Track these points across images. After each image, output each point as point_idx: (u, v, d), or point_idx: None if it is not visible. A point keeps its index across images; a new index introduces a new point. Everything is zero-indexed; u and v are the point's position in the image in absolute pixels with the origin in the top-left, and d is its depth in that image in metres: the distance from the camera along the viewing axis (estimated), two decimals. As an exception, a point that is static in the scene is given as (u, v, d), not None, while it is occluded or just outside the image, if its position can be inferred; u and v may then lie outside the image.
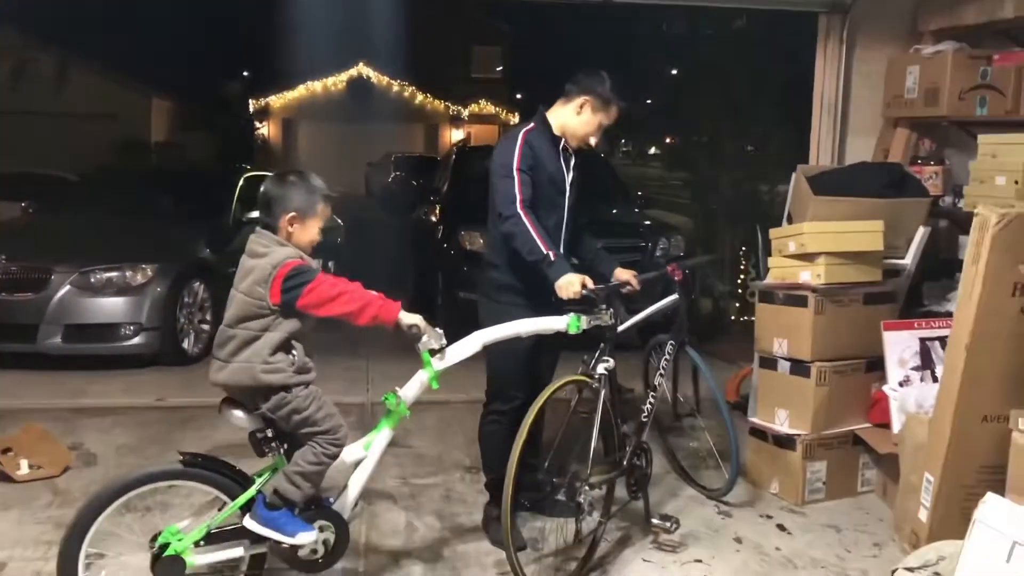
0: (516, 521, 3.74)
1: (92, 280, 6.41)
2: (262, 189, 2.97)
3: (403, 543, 3.77)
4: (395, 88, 33.73)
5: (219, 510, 2.94)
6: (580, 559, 3.45)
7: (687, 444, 4.83)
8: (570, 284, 3.34)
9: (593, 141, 3.65)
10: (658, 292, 4.22)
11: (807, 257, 4.19)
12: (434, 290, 8.11)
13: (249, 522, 2.84)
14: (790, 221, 4.82)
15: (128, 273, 6.49)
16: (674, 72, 10.83)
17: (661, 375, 4.07)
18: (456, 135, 35.68)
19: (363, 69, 33.57)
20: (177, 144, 29.86)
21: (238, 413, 2.87)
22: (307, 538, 2.85)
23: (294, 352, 2.82)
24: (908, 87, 5.34)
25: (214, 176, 8.78)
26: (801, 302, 4.17)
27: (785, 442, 4.22)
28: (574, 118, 3.60)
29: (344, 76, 33.60)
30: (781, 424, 4.28)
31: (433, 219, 8.96)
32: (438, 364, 3.02)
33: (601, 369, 3.43)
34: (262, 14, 30.16)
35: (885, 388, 4.07)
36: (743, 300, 10.11)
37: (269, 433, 2.88)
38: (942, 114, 5.12)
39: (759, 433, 4.40)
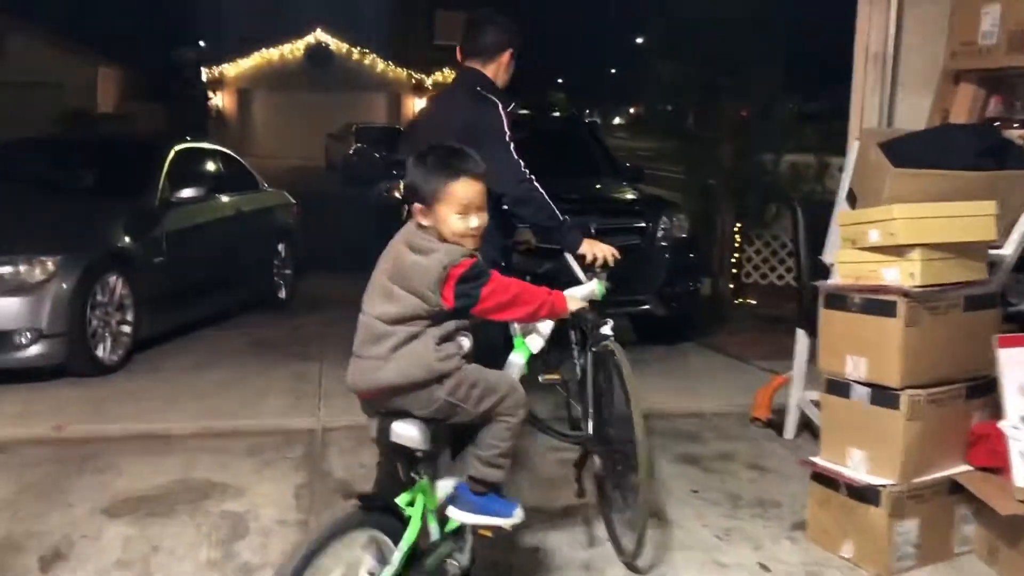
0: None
1: (-22, 277, 5.23)
2: None
3: None
4: (355, 55, 32.24)
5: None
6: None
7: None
8: (598, 247, 3.33)
9: None
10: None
11: (894, 250, 3.16)
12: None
13: (461, 515, 2.54)
14: (852, 201, 3.80)
15: (23, 268, 5.30)
16: (641, 39, 9.71)
17: None
18: (420, 104, 34.35)
19: (321, 35, 32.04)
20: (124, 115, 28.24)
21: (407, 429, 2.41)
22: (521, 513, 2.58)
23: (463, 341, 2.48)
24: (984, 31, 4.32)
25: (145, 148, 7.50)
26: (887, 310, 3.14)
27: (865, 494, 3.21)
28: (504, 75, 3.57)
29: (301, 43, 32.07)
30: (856, 469, 3.26)
31: (396, 196, 7.85)
32: (535, 345, 2.81)
33: (608, 330, 3.24)
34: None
35: (1002, 424, 3.07)
36: (739, 282, 9.25)
37: (419, 453, 2.46)
38: (1033, 63, 4.11)
39: (826, 480, 3.38)
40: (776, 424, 4.71)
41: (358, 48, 32.02)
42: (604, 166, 7.61)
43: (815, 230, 4.42)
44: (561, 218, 3.40)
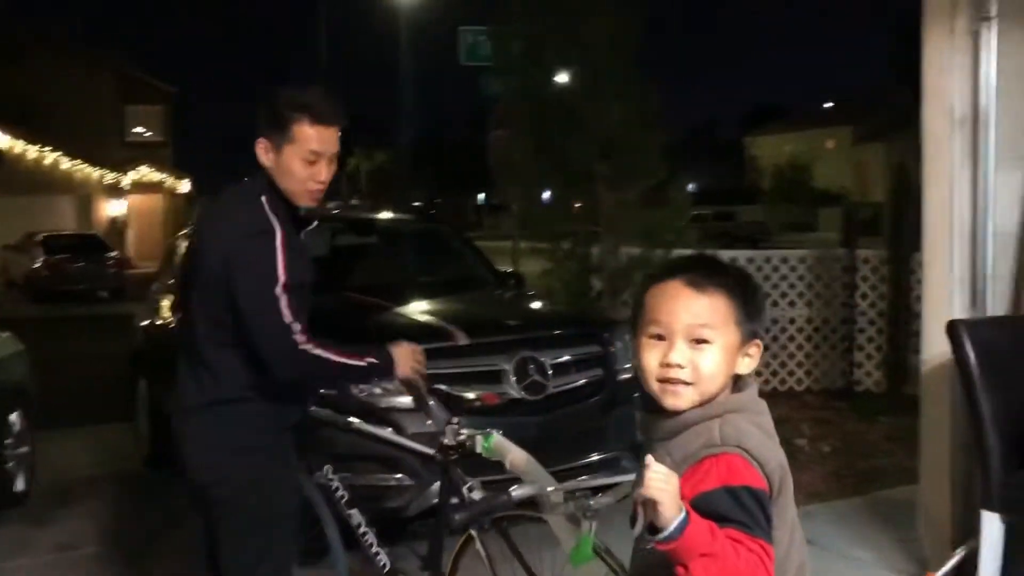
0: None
1: None
2: None
3: None
4: (34, 153, 27.85)
5: None
6: None
7: None
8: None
9: (318, 184, 2.51)
10: None
11: None
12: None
13: None
14: None
15: None
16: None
17: None
18: (117, 207, 30.59)
19: (-11, 131, 27.40)
20: None
21: None
22: None
23: None
24: None
25: None
26: None
27: None
28: (276, 172, 2.50)
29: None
30: None
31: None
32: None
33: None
34: None
35: None
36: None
37: None
38: None
39: None
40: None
41: (38, 146, 27.74)
42: (483, 275, 5.88)
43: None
44: (363, 362, 2.57)
